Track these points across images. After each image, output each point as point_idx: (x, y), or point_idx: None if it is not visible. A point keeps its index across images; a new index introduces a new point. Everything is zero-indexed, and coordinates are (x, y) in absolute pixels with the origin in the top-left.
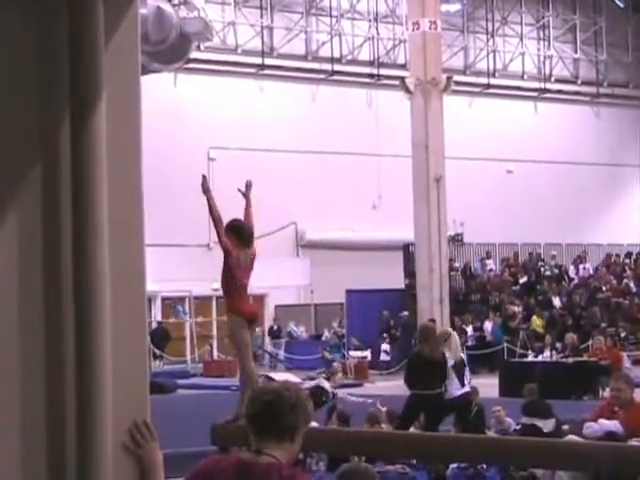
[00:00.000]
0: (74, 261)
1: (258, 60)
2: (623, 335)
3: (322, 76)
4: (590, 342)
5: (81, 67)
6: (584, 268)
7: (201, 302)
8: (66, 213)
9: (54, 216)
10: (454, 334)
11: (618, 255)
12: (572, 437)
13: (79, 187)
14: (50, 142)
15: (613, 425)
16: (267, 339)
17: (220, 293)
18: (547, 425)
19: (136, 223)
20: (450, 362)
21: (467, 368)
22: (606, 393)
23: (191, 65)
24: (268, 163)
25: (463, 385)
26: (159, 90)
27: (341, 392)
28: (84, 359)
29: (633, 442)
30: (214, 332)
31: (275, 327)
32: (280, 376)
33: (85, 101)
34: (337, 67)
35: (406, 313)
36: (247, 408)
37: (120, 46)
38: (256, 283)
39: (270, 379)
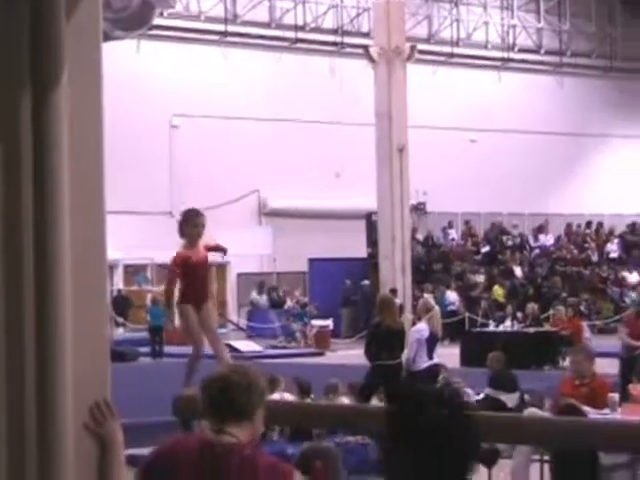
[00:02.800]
0: (35, 233)
1: (221, 27)
2: (584, 305)
3: (285, 44)
4: (551, 312)
5: (43, 43)
6: (546, 238)
7: (163, 270)
8: (27, 188)
9: (16, 191)
10: (436, 307)
11: (579, 225)
12: (533, 410)
13: (40, 161)
14: (11, 117)
15: None
16: (230, 308)
17: None
18: (511, 399)
19: (97, 192)
20: (425, 334)
21: (438, 342)
22: (566, 363)
23: (154, 32)
24: (231, 131)
25: (431, 358)
26: (121, 57)
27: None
28: (44, 334)
29: (593, 415)
30: (175, 300)
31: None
32: (242, 345)
33: (47, 78)
34: (301, 35)
35: (367, 282)
36: (201, 396)
37: (81, 21)
38: None
39: (233, 348)
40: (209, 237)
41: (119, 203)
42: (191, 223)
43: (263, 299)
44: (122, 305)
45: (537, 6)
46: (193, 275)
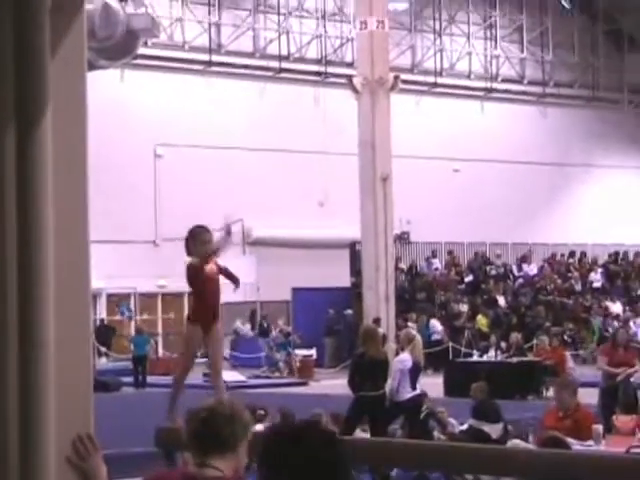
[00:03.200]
0: (19, 260)
1: (205, 57)
2: (567, 335)
3: (270, 74)
4: (534, 342)
5: (27, 78)
6: (529, 267)
7: (146, 299)
8: (11, 219)
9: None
10: (418, 337)
11: (563, 254)
12: (517, 442)
13: (25, 190)
14: None
15: None
16: None
17: (165, 290)
18: (495, 430)
19: (82, 221)
20: (408, 364)
21: (421, 372)
22: (550, 393)
23: (138, 61)
24: (215, 160)
25: (414, 388)
26: (106, 86)
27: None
28: (27, 363)
29: (577, 447)
30: (159, 329)
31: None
32: (226, 374)
33: (32, 112)
34: (285, 65)
35: (351, 311)
36: (185, 427)
37: (67, 54)
38: None
39: None
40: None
41: (103, 232)
42: (199, 240)
43: (247, 328)
44: (105, 334)
45: (520, 37)
46: (203, 291)
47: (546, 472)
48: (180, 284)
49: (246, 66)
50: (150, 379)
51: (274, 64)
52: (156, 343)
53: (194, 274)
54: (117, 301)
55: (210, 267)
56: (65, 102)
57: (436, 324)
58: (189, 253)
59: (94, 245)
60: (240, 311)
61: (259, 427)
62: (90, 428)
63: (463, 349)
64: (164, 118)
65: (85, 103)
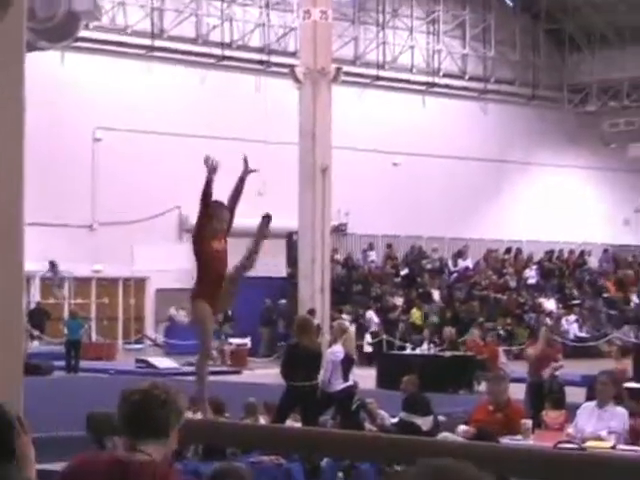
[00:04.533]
0: None
1: (147, 42)
2: (500, 330)
3: (212, 61)
4: (468, 336)
5: None
6: (465, 262)
7: (81, 283)
8: None
9: None
10: (350, 329)
11: (498, 250)
12: (447, 434)
13: None
14: None
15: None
16: (147, 323)
17: (100, 275)
18: (426, 423)
19: (17, 203)
20: (340, 356)
21: (354, 364)
22: (481, 387)
23: (79, 44)
24: (154, 146)
25: (347, 380)
26: (46, 68)
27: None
28: None
29: (506, 441)
30: (93, 314)
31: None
32: (159, 362)
33: None
34: (227, 52)
35: (284, 301)
36: (118, 409)
37: (4, 33)
38: (138, 266)
39: (149, 364)
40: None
41: (39, 215)
42: (217, 217)
43: (182, 315)
44: (39, 318)
45: (463, 32)
46: (208, 268)
47: (475, 464)
48: (115, 269)
49: (188, 52)
50: (83, 364)
51: (216, 51)
52: (89, 328)
53: (201, 249)
54: (51, 285)
55: (219, 243)
56: (2, 83)
57: (372, 316)
58: (201, 225)
59: (29, 228)
60: (176, 298)
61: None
62: (20, 410)
63: (397, 342)
64: (104, 102)
65: (23, 84)
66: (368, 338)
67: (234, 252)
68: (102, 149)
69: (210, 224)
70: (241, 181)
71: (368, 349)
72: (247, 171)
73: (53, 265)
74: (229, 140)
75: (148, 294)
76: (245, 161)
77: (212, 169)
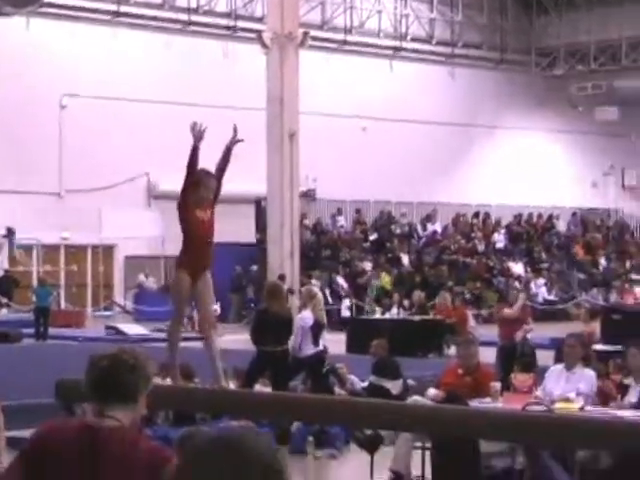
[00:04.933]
0: None
1: (113, 7)
2: (469, 294)
3: (178, 26)
4: (437, 300)
5: None
6: (434, 227)
7: (50, 251)
8: None
9: None
10: (319, 294)
11: (466, 215)
12: (416, 398)
13: None
14: None
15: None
16: (116, 290)
17: (68, 242)
18: (395, 386)
19: None
20: (309, 322)
21: (325, 329)
22: (451, 351)
23: (44, 9)
24: (121, 112)
25: (316, 345)
26: (10, 34)
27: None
28: None
29: (476, 403)
30: (62, 281)
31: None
32: (128, 328)
33: None
34: (194, 17)
35: (256, 267)
36: (86, 375)
37: None
38: (106, 233)
39: (119, 331)
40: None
41: (6, 183)
42: (203, 185)
43: (151, 282)
44: (7, 285)
45: None
46: (192, 236)
47: (445, 427)
48: (84, 236)
49: (154, 17)
50: (52, 331)
51: (183, 16)
52: (58, 295)
53: (184, 217)
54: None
55: (203, 213)
56: None
57: (341, 281)
58: (186, 193)
59: None
60: (145, 264)
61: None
62: None
63: (367, 306)
64: (70, 68)
65: None
66: (347, 302)
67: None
68: (69, 116)
69: (196, 192)
70: (228, 150)
71: (346, 313)
72: (235, 140)
73: (10, 231)
74: (197, 106)
75: (117, 261)
76: (234, 130)
77: (199, 136)
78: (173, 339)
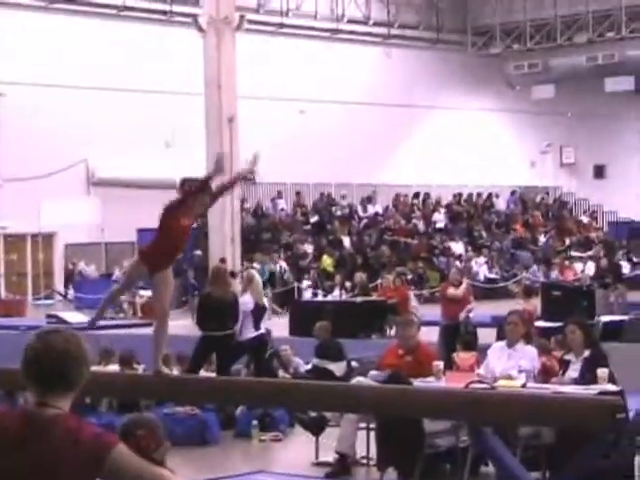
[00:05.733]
0: None
1: None
2: (411, 274)
3: (113, 11)
4: (379, 281)
5: None
6: (374, 208)
7: None
8: None
9: None
10: (257, 277)
11: (407, 195)
12: (360, 379)
13: None
14: None
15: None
16: (56, 278)
17: (7, 231)
18: (339, 368)
19: None
20: (250, 306)
21: (267, 312)
22: (393, 331)
23: None
24: (59, 99)
25: (258, 328)
26: None
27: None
28: None
29: (418, 383)
30: (1, 270)
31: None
32: (70, 316)
33: None
34: (128, 2)
35: (199, 252)
36: (20, 364)
37: None
38: (45, 222)
39: (60, 319)
40: None
41: None
42: (199, 200)
43: (91, 269)
44: None
45: None
46: (167, 239)
47: (389, 407)
48: (23, 225)
49: (89, 3)
50: None
51: (118, 1)
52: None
53: (168, 223)
54: None
55: (187, 221)
56: None
57: (282, 264)
58: (181, 202)
59: None
60: (85, 252)
61: (110, 368)
62: None
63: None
64: (5, 55)
65: None
66: (308, 282)
67: (146, 203)
68: (5, 104)
69: (191, 204)
70: (236, 179)
71: (307, 294)
72: (246, 177)
73: None
74: (135, 92)
75: (57, 249)
76: (253, 161)
77: (218, 170)
78: (106, 304)
